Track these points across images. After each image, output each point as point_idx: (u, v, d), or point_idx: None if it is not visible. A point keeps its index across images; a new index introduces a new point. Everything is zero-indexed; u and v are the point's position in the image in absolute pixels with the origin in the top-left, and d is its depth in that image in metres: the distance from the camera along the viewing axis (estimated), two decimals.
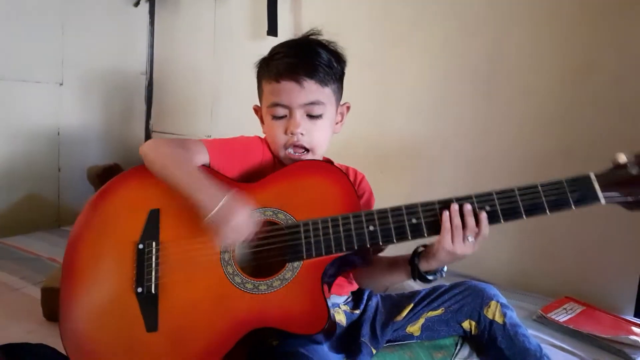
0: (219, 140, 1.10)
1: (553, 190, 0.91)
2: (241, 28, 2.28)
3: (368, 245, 0.95)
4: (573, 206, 0.91)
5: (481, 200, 0.94)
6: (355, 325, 1.12)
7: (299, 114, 1.07)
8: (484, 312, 1.10)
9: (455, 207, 0.93)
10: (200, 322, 0.93)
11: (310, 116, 1.08)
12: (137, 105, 2.55)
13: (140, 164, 1.04)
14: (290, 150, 1.10)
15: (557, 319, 1.41)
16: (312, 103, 1.07)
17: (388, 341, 1.15)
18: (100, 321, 0.95)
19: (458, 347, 1.17)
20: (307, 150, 1.10)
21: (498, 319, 1.09)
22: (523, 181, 1.66)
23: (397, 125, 1.95)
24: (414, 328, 1.15)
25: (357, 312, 1.15)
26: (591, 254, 1.63)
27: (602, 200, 0.90)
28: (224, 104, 2.37)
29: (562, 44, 1.65)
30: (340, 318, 1.12)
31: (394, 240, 0.95)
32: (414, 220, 0.95)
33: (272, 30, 2.11)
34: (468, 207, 0.93)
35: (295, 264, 0.95)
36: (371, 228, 0.95)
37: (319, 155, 1.13)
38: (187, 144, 1.05)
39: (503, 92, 1.75)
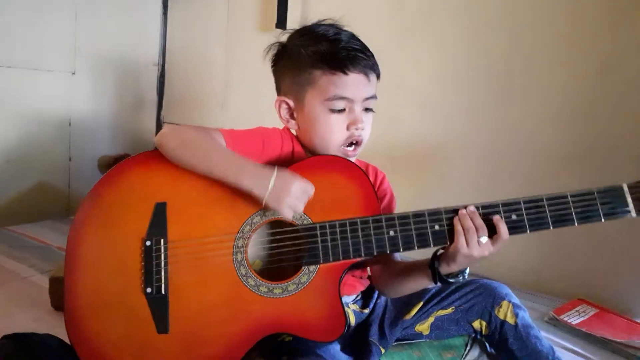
0: (237, 131, 1.02)
1: (583, 202, 0.89)
2: (253, 20, 2.26)
3: (388, 252, 0.92)
4: (602, 219, 0.89)
5: (508, 209, 0.91)
6: (363, 325, 1.11)
7: (359, 108, 1.01)
8: (496, 312, 1.08)
9: (463, 211, 0.91)
10: (213, 325, 0.91)
11: (366, 109, 1.03)
12: (148, 96, 2.54)
13: (144, 151, 0.98)
14: (348, 148, 1.03)
15: (569, 321, 1.39)
16: (372, 97, 1.02)
17: (397, 340, 1.13)
18: (108, 320, 0.91)
19: (468, 348, 1.16)
20: (356, 148, 1.04)
21: (510, 319, 1.07)
22: (537, 182, 1.64)
23: (408, 121, 1.93)
24: (423, 327, 1.13)
25: (366, 311, 1.13)
26: (606, 255, 1.60)
27: (634, 214, 0.88)
28: (235, 95, 2.36)
29: (581, 43, 1.62)
30: (351, 318, 1.10)
31: (415, 247, 0.92)
32: (436, 227, 0.92)
33: (281, 22, 2.10)
34: (471, 208, 0.91)
35: (312, 267, 0.92)
36: (391, 233, 0.91)
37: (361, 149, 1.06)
38: (204, 129, 0.98)
39: (519, 91, 1.72)
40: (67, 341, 0.95)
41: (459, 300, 1.11)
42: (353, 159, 1.05)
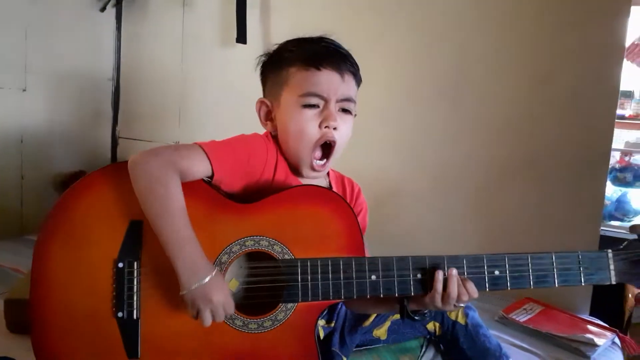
0: (218, 143, 0.95)
1: (565, 264, 0.90)
2: (209, 34, 2.27)
3: (367, 296, 0.90)
4: (582, 282, 0.90)
5: (492, 265, 0.90)
6: (327, 337, 1.13)
7: (334, 107, 0.97)
8: (447, 313, 1.14)
9: (452, 272, 0.89)
10: (184, 355, 0.89)
11: (344, 111, 0.99)
12: (103, 111, 2.50)
13: (121, 161, 0.91)
14: (316, 152, 0.99)
15: (517, 319, 1.46)
16: (348, 99, 0.99)
17: (356, 346, 1.17)
18: (77, 341, 0.88)
19: (423, 349, 1.21)
20: (328, 155, 1.00)
21: (460, 319, 1.13)
22: (489, 187, 1.71)
23: (363, 135, 1.97)
24: (381, 331, 1.18)
25: (332, 325, 1.15)
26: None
27: (613, 280, 0.89)
28: (191, 110, 2.36)
29: (521, 55, 1.71)
30: (319, 334, 1.12)
31: (396, 294, 0.90)
32: (419, 276, 0.90)
33: (241, 37, 2.11)
34: (454, 273, 0.89)
35: (289, 305, 0.90)
36: (373, 278, 0.89)
37: (337, 156, 1.02)
38: (181, 153, 0.90)
39: (469, 103, 1.79)
40: None
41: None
42: (323, 173, 1.04)
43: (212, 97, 2.27)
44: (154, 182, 0.85)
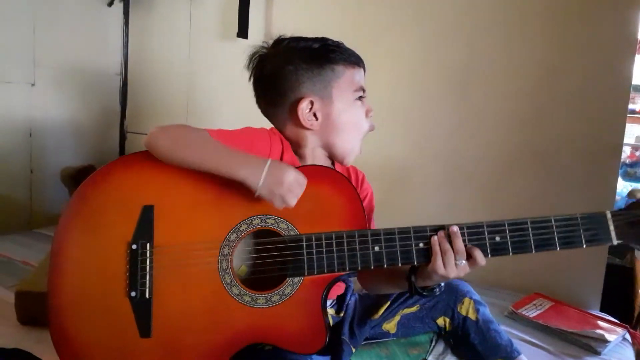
0: (225, 131, 1.01)
1: (566, 227, 0.89)
2: (217, 29, 2.27)
3: (372, 267, 0.92)
4: (584, 244, 0.89)
5: (492, 231, 0.90)
6: (337, 325, 1.13)
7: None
8: (458, 309, 1.13)
9: (441, 232, 0.90)
10: (195, 332, 0.91)
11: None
12: (111, 106, 2.51)
13: (133, 153, 0.98)
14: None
15: (527, 314, 1.46)
16: None
17: (365, 339, 1.17)
18: (91, 321, 0.92)
19: (433, 344, 1.20)
20: None
21: (471, 315, 1.12)
22: (493, 186, 1.71)
23: (369, 134, 1.97)
24: (390, 325, 1.17)
25: (341, 315, 1.16)
26: (559, 252, 1.67)
27: (615, 241, 0.88)
28: (198, 103, 2.36)
29: (530, 49, 1.70)
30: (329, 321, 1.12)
31: (399, 264, 0.92)
32: (421, 245, 0.91)
33: (243, 32, 2.11)
34: (454, 229, 0.90)
35: (296, 279, 0.92)
36: (376, 249, 0.91)
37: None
38: (193, 129, 0.98)
39: (477, 96, 1.79)
40: (36, 354, 0.95)
41: (424, 299, 1.14)
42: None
43: (220, 91, 2.27)
44: (181, 132, 0.95)
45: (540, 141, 1.70)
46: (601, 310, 1.58)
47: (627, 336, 1.40)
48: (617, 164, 1.63)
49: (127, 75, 2.51)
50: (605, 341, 1.32)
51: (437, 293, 0.99)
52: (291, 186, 0.89)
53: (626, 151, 2.47)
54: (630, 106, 2.34)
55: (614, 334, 1.37)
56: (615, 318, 1.50)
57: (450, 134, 1.84)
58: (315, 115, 1.05)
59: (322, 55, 1.05)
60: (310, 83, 1.04)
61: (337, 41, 1.09)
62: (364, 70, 1.10)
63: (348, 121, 1.06)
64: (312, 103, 1.04)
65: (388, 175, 1.92)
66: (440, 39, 1.83)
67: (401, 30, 1.89)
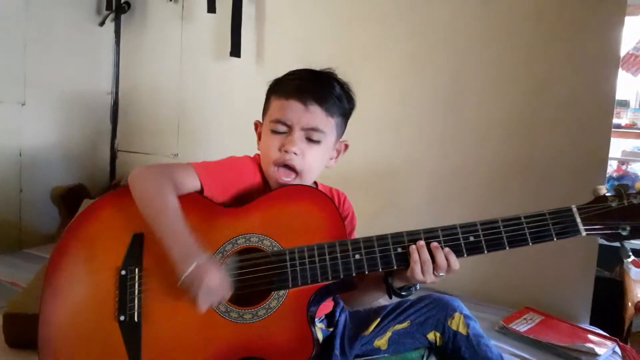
0: (210, 164, 1.08)
1: (536, 223, 0.93)
2: (208, 48, 2.29)
3: (353, 274, 0.95)
4: (555, 238, 0.92)
5: (466, 231, 0.94)
6: (328, 341, 1.14)
7: (298, 135, 1.06)
8: (449, 324, 1.13)
9: (421, 242, 0.94)
10: (185, 352, 0.92)
11: (309, 140, 1.07)
12: (102, 125, 2.51)
13: (119, 188, 1.04)
14: (279, 171, 1.07)
15: (517, 329, 1.46)
16: (313, 129, 1.06)
17: (356, 356, 1.16)
18: (82, 349, 0.93)
19: None
20: (297, 173, 1.08)
21: (462, 329, 1.12)
22: (483, 196, 1.73)
23: (362, 142, 1.99)
24: (381, 342, 1.17)
25: (332, 329, 1.16)
26: (548, 265, 1.69)
27: (583, 232, 0.92)
28: (190, 123, 2.37)
29: (518, 63, 1.73)
30: (319, 336, 1.12)
31: (380, 269, 0.95)
32: (399, 250, 0.95)
33: (235, 51, 2.13)
34: (434, 243, 0.94)
35: (281, 292, 0.94)
36: (357, 257, 0.94)
37: (307, 182, 1.10)
38: (175, 169, 1.03)
39: (466, 109, 1.81)
40: None
41: (414, 314, 1.15)
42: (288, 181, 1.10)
43: (211, 110, 2.28)
44: (150, 187, 0.99)
45: (528, 155, 1.72)
46: (591, 323, 1.59)
47: (617, 349, 1.41)
48: (604, 177, 1.65)
49: (118, 94, 2.52)
50: (595, 354, 1.32)
51: (413, 291, 1.05)
52: (209, 291, 0.90)
53: (613, 165, 2.50)
54: (615, 121, 2.39)
55: (603, 347, 1.38)
56: (605, 331, 1.51)
57: (439, 148, 1.86)
58: (259, 136, 1.15)
59: (271, 85, 1.14)
60: (265, 106, 1.15)
61: (298, 72, 1.12)
62: (305, 105, 1.05)
63: (262, 147, 1.12)
64: (255, 125, 1.16)
65: (379, 187, 1.94)
66: (430, 53, 1.86)
67: (392, 45, 1.92)
